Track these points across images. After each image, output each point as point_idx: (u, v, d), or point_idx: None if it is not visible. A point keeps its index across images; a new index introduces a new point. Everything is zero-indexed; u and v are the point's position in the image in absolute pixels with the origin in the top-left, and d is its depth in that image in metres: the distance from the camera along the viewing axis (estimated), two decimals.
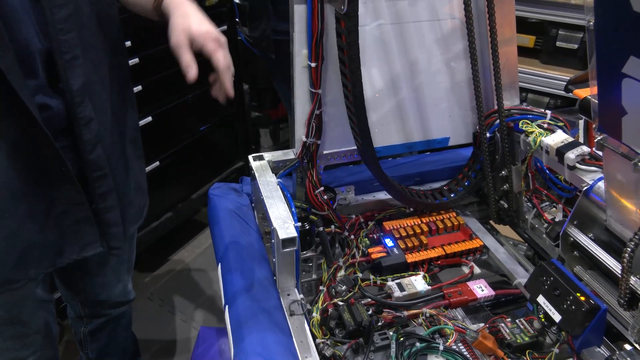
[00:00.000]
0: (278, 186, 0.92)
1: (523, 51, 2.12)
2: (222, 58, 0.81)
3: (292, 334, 0.78)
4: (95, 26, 0.85)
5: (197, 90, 2.10)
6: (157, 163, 2.00)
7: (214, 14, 2.12)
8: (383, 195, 1.17)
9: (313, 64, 0.88)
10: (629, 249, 0.72)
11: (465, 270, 1.04)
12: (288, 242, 0.78)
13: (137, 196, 1.07)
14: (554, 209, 1.07)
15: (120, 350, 1.48)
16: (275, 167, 1.01)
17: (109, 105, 0.92)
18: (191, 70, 0.78)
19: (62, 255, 0.93)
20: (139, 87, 1.83)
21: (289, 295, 0.87)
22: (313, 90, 0.92)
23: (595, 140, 0.72)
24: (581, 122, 1.04)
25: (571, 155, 0.89)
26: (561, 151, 0.90)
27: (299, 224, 0.85)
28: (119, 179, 0.97)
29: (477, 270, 1.03)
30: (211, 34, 0.81)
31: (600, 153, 0.86)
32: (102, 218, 0.94)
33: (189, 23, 0.82)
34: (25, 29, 0.74)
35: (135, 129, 1.05)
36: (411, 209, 1.15)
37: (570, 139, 0.92)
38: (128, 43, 1.72)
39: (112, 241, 0.98)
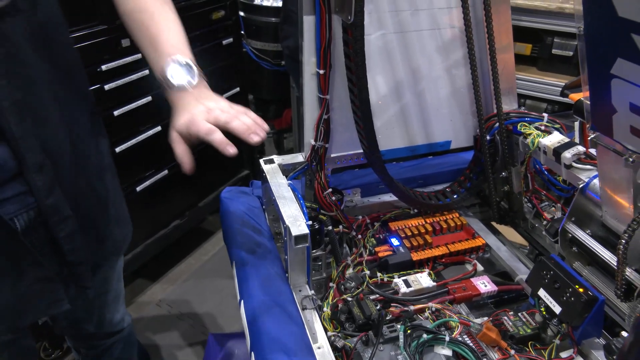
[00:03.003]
0: (289, 187, 0.96)
1: (520, 59, 2.18)
2: (200, 130, 0.77)
3: (305, 326, 0.82)
4: (39, 61, 0.78)
5: None
6: (166, 172, 2.05)
7: (220, 27, 2.19)
8: (388, 197, 1.22)
9: (321, 71, 0.93)
10: (623, 241, 0.76)
11: (469, 267, 1.08)
12: (300, 238, 0.83)
13: (115, 228, 1.02)
14: (553, 208, 1.12)
15: None
16: (285, 170, 1.05)
17: (67, 139, 0.85)
18: (184, 164, 0.80)
19: (24, 317, 0.88)
20: (149, 98, 1.89)
21: (300, 291, 0.91)
22: (321, 95, 0.97)
23: (589, 139, 0.76)
24: (576, 124, 1.09)
25: (567, 154, 0.93)
26: (558, 151, 0.95)
27: (310, 222, 0.89)
28: (84, 216, 0.91)
29: (480, 267, 1.07)
30: (190, 121, 0.78)
31: (594, 152, 0.91)
32: (68, 260, 0.89)
33: (179, 120, 0.80)
34: None
35: (106, 157, 0.99)
36: (415, 210, 1.19)
37: (567, 140, 0.97)
38: (139, 55, 1.79)
39: (80, 280, 0.93)
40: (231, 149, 0.75)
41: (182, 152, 0.81)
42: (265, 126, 0.81)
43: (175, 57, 0.82)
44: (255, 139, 0.78)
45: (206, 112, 0.79)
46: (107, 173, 0.99)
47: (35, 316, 0.89)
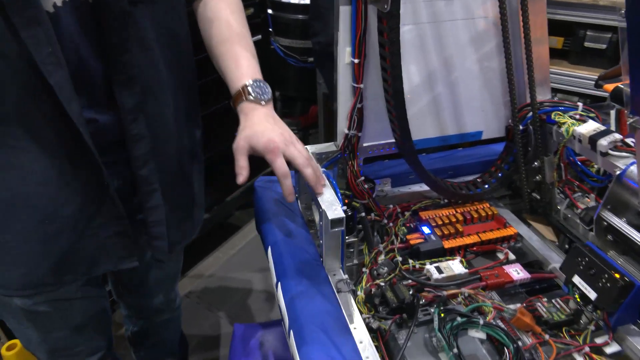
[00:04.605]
0: (323, 174, 0.98)
1: (552, 52, 2.13)
2: (277, 167, 0.88)
3: (341, 307, 0.84)
4: (160, 46, 0.87)
5: (230, 99, 2.19)
6: None
7: (249, 24, 2.21)
8: (418, 187, 1.23)
9: (356, 60, 0.95)
10: None
11: (500, 256, 1.08)
12: (336, 222, 0.84)
13: (193, 212, 1.10)
14: (587, 199, 1.11)
15: (167, 353, 1.53)
16: (319, 159, 1.08)
17: (170, 121, 0.94)
18: (240, 175, 0.88)
19: (97, 266, 0.95)
20: None
21: (335, 275, 0.93)
22: (355, 85, 0.99)
23: (628, 123, 0.76)
24: (612, 112, 1.08)
25: (604, 142, 0.93)
26: (594, 139, 0.94)
27: (345, 207, 0.91)
28: (173, 194, 0.99)
29: (511, 256, 1.07)
30: (269, 146, 0.87)
31: (630, 141, 0.90)
32: (148, 231, 0.97)
33: (253, 132, 0.89)
34: (83, 50, 0.78)
35: (196, 146, 1.08)
36: (445, 201, 1.20)
37: (602, 128, 0.96)
38: None
39: (156, 253, 1.01)
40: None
41: (244, 165, 0.89)
42: (323, 175, 0.93)
43: (254, 76, 0.97)
44: (321, 189, 0.89)
45: (283, 143, 0.88)
46: (195, 160, 1.08)
47: (107, 267, 0.96)
